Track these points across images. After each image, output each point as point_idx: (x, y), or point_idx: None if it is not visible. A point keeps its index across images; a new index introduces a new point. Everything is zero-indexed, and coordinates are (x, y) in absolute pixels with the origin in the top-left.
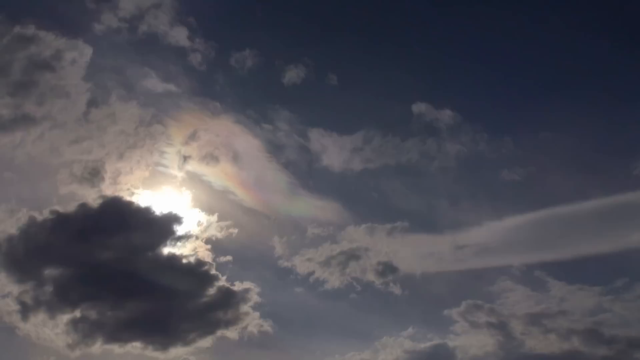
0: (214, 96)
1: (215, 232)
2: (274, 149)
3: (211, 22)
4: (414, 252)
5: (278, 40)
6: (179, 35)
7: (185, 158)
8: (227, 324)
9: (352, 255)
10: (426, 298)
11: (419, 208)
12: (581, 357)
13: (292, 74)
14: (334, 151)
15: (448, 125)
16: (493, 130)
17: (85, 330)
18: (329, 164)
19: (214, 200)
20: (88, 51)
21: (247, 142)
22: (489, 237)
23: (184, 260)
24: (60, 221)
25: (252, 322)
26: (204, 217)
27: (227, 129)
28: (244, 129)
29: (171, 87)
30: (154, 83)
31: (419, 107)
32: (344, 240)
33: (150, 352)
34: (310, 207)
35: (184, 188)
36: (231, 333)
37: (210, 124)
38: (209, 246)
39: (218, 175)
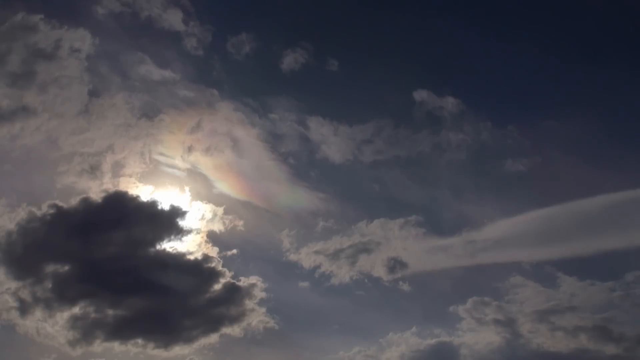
0: (211, 83)
1: (220, 226)
2: (274, 139)
3: (206, 4)
4: (421, 248)
5: (275, 23)
6: (173, 19)
7: (188, 149)
8: (232, 320)
9: (361, 250)
10: (433, 294)
11: (425, 203)
12: (588, 355)
13: (291, 60)
14: (334, 141)
15: (451, 113)
16: (496, 119)
17: (86, 328)
18: (330, 155)
19: (215, 192)
20: (87, 39)
21: (246, 132)
22: (498, 233)
23: (188, 255)
24: (60, 216)
25: (258, 318)
26: (207, 210)
27: (226, 119)
28: (242, 118)
29: (168, 73)
30: (150, 70)
31: (420, 95)
32: (355, 235)
33: (151, 349)
34: (311, 199)
35: (186, 180)
36: (235, 330)
37: (209, 114)
38: (212, 240)
39: (218, 166)
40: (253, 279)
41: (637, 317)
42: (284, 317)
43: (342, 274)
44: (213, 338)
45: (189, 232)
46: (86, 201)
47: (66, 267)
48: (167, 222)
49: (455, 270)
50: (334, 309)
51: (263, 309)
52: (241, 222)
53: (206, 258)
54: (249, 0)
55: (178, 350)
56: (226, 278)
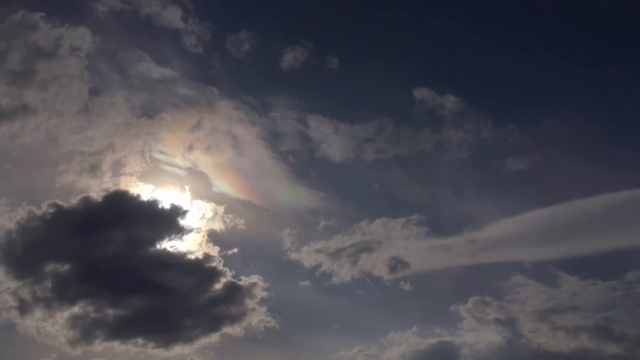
0: (211, 81)
1: (220, 225)
2: (274, 137)
3: (205, 2)
4: (423, 248)
5: (275, 20)
6: (172, 17)
7: (188, 148)
8: (233, 320)
9: (362, 249)
10: (434, 294)
11: (427, 202)
12: (590, 355)
13: (291, 57)
14: (334, 140)
15: (452, 111)
16: (497, 117)
17: (87, 328)
18: (330, 154)
19: (216, 191)
20: (87, 37)
21: (246, 131)
22: (500, 232)
23: (189, 255)
24: (60, 215)
25: (258, 317)
26: (208, 209)
27: (226, 117)
28: (242, 116)
29: (168, 72)
30: (150, 68)
31: (421, 93)
32: (356, 234)
33: (151, 349)
34: (311, 197)
35: (187, 179)
36: (236, 329)
37: (209, 112)
38: (213, 239)
39: (218, 165)
40: (254, 278)
41: (639, 316)
42: (284, 316)
43: (343, 273)
44: (213, 337)
45: (189, 231)
46: (86, 200)
47: (66, 267)
48: (168, 221)
49: (457, 270)
50: (334, 308)
51: (264, 309)
52: (242, 221)
53: (207, 257)
54: None
55: (178, 349)
56: (227, 277)
